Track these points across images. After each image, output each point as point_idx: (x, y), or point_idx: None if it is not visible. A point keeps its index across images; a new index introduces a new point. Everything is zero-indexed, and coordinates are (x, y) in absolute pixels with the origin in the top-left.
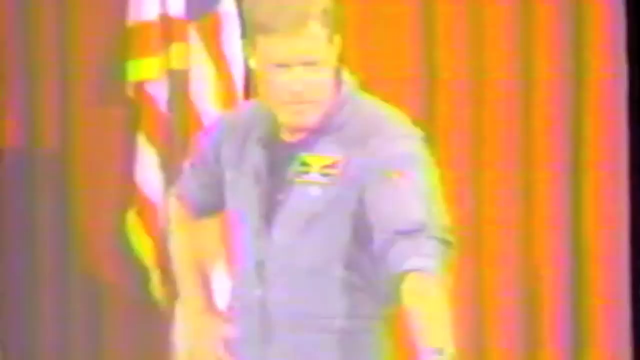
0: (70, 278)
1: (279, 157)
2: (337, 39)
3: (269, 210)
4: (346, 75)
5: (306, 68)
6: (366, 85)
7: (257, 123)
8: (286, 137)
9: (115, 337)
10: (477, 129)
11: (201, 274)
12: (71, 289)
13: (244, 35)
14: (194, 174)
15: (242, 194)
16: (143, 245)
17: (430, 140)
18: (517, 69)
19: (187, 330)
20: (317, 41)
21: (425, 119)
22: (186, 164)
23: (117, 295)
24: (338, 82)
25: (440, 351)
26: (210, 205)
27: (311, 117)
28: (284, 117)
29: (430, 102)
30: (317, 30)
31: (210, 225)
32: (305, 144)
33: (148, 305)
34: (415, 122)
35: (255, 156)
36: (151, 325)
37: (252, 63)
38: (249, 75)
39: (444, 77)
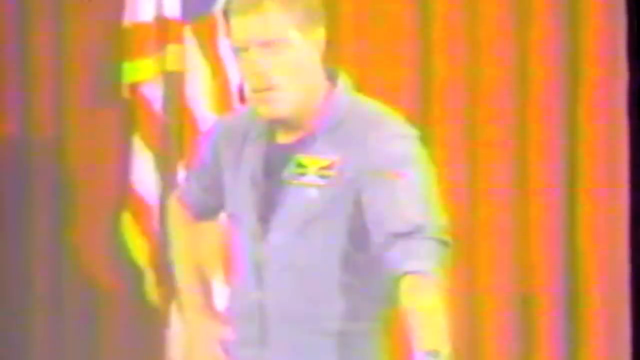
0: (65, 279)
1: (275, 159)
2: (319, 32)
3: (266, 212)
4: (341, 76)
5: (263, 49)
6: (360, 83)
7: (254, 126)
8: (282, 138)
9: (110, 337)
10: (472, 128)
11: (201, 275)
12: (66, 290)
13: None
14: (195, 177)
15: (240, 197)
16: (138, 247)
17: (424, 139)
18: (513, 68)
19: (185, 331)
20: (273, 20)
21: (420, 119)
22: (186, 167)
23: (112, 295)
24: (332, 82)
25: (436, 353)
26: (212, 207)
27: (279, 106)
28: (258, 108)
29: (425, 102)
30: (274, 9)
31: (211, 228)
32: (301, 146)
33: (143, 306)
34: (410, 120)
35: (252, 158)
36: (146, 326)
37: None
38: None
39: (439, 77)
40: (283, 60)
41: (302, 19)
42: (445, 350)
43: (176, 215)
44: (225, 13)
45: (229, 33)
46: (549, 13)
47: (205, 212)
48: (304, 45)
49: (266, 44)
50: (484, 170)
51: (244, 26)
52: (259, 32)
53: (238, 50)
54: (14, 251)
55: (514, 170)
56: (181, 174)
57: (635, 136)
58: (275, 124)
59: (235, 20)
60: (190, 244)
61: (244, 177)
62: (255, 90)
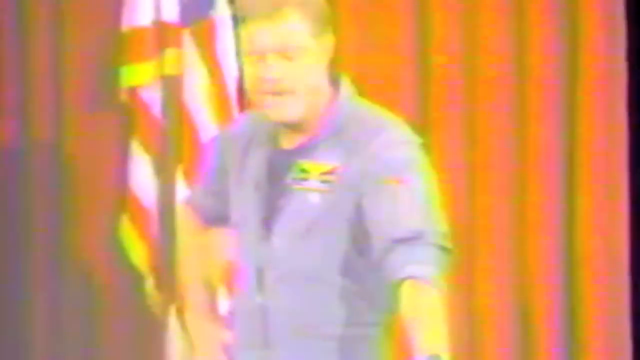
0: (64, 283)
1: (278, 164)
2: (329, 37)
3: (269, 218)
4: (344, 81)
5: (280, 56)
6: (359, 83)
7: (257, 132)
8: (285, 144)
9: (109, 338)
10: (471, 130)
11: (206, 279)
12: (65, 294)
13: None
14: (204, 183)
15: (243, 202)
16: (136, 251)
17: (425, 144)
18: (513, 68)
19: (189, 335)
20: (292, 29)
21: (418, 121)
22: (190, 173)
23: (112, 296)
24: (335, 88)
25: (436, 358)
26: (220, 214)
27: (292, 111)
28: (269, 112)
29: (424, 103)
30: (293, 18)
31: (219, 234)
32: (304, 151)
33: (142, 307)
34: (409, 122)
35: (256, 164)
36: (145, 327)
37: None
38: (242, 82)
39: (437, 82)
40: (298, 65)
41: (316, 25)
42: (445, 355)
43: (185, 218)
44: (237, 19)
45: (241, 38)
46: (549, 12)
47: (213, 217)
48: (317, 50)
49: (283, 51)
50: (480, 176)
51: (261, 33)
52: (277, 40)
53: (251, 55)
54: (14, 252)
55: (514, 174)
56: (179, 177)
57: (635, 136)
58: (279, 129)
59: (251, 27)
60: (198, 247)
61: (248, 182)
62: (267, 94)
